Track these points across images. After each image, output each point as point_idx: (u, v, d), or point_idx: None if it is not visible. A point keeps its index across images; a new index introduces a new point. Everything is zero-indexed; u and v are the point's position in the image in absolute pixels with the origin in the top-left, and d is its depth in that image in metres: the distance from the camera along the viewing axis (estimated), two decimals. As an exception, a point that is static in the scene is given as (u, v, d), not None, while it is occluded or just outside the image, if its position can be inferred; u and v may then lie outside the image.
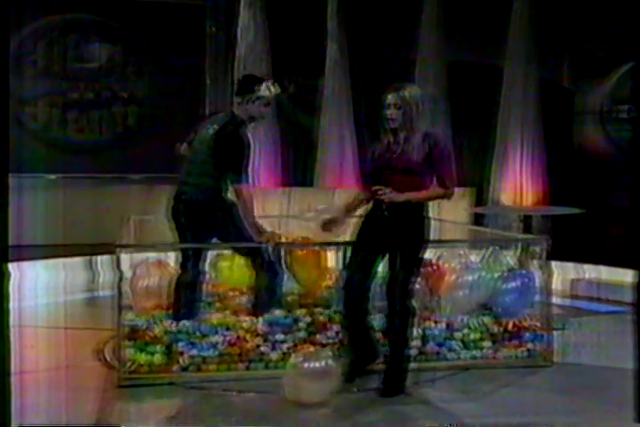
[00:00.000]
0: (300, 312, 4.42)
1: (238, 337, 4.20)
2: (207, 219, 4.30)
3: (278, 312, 4.36)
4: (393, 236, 3.83)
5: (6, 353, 2.22)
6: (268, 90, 4.30)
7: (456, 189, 3.92)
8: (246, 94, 4.30)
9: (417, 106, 3.78)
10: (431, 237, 4.03)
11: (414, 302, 3.96)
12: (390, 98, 3.77)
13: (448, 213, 6.86)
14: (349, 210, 4.18)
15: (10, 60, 2.29)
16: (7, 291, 2.22)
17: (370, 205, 3.99)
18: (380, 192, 3.77)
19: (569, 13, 8.17)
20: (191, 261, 4.43)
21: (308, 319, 4.37)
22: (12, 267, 2.32)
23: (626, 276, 5.87)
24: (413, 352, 4.33)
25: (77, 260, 6.76)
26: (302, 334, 4.30)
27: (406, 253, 3.84)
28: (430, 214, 3.96)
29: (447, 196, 3.90)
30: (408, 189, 3.78)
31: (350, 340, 4.08)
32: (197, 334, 4.19)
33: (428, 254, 5.15)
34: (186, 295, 4.39)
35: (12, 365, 2.20)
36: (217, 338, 4.18)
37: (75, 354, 4.54)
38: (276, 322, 4.28)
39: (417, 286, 4.19)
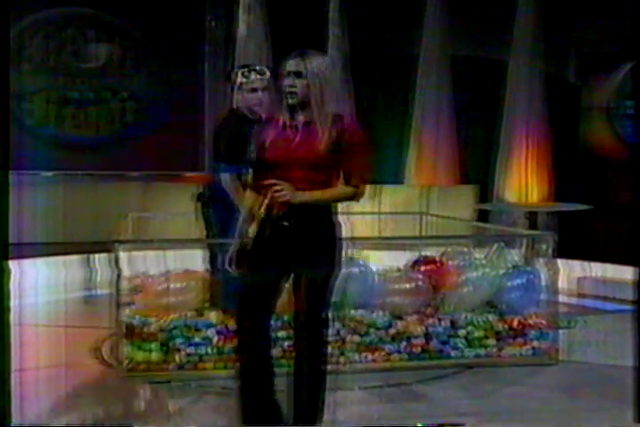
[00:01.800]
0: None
1: (231, 330, 4.14)
2: (215, 214, 4.30)
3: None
4: (296, 252, 2.96)
5: (6, 351, 2.18)
6: (243, 76, 4.30)
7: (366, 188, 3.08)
8: (228, 84, 4.35)
9: (325, 78, 2.96)
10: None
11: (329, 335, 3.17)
12: (292, 64, 2.95)
13: (452, 210, 6.83)
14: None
15: (9, 55, 2.24)
16: (7, 288, 2.19)
17: (261, 211, 2.99)
18: (276, 189, 2.90)
19: (575, 8, 8.12)
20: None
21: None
22: (12, 265, 2.29)
23: (633, 274, 5.80)
24: (416, 350, 4.29)
25: (75, 257, 6.73)
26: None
27: (316, 272, 2.96)
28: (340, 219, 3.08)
29: (357, 197, 3.02)
30: (310, 188, 2.93)
31: (246, 401, 3.08)
32: (192, 328, 4.15)
33: (433, 252, 5.14)
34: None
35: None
36: (210, 332, 4.14)
37: (72, 352, 4.51)
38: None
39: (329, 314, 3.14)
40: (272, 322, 3.19)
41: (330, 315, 3.12)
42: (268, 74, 4.35)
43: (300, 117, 2.97)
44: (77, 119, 8.21)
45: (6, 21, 2.20)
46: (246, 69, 4.35)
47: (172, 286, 4.35)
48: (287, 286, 3.08)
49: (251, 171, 3.17)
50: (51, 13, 8.11)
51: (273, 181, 2.90)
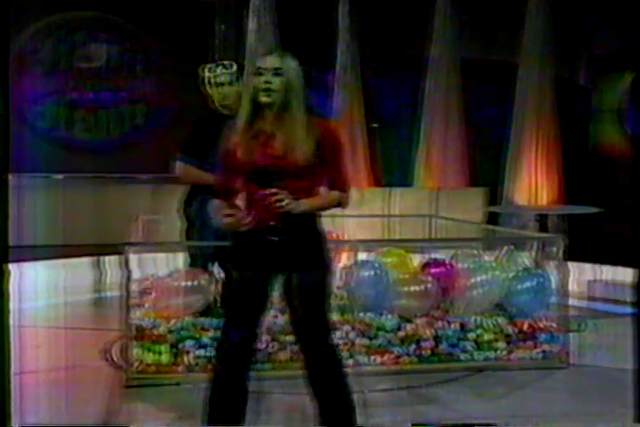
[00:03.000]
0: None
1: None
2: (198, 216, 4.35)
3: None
4: (287, 264, 2.80)
5: (6, 353, 2.18)
6: (209, 71, 4.35)
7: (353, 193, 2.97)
8: (198, 78, 4.40)
9: (302, 78, 2.82)
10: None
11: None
12: (270, 61, 2.79)
13: (462, 213, 6.81)
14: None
15: (10, 59, 2.24)
16: (7, 290, 2.19)
17: (247, 222, 2.75)
18: (277, 198, 2.69)
19: (585, 10, 8.08)
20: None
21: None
22: (21, 267, 2.30)
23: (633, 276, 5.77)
24: (425, 353, 4.27)
25: (87, 260, 6.74)
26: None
27: (311, 282, 2.80)
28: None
29: (344, 202, 2.89)
30: (300, 195, 2.75)
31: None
32: (199, 328, 4.16)
33: (442, 255, 5.13)
34: None
35: (21, 365, 2.17)
36: (218, 333, 4.12)
37: (82, 354, 4.52)
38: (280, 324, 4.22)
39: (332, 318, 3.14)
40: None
41: (332, 319, 3.03)
42: (234, 68, 4.37)
43: (274, 119, 2.77)
44: (88, 122, 8.22)
45: (6, 22, 2.20)
46: (213, 64, 4.39)
47: (178, 284, 4.33)
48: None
49: (219, 178, 2.93)
50: (61, 17, 8.13)
51: (273, 191, 2.68)
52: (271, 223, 2.72)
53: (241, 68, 4.43)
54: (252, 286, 2.84)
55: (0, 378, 2.19)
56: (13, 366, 2.22)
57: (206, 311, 4.32)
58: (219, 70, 4.34)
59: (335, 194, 2.85)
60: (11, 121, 2.20)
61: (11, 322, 2.22)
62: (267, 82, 2.74)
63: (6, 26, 2.21)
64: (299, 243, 2.79)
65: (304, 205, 2.74)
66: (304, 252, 2.81)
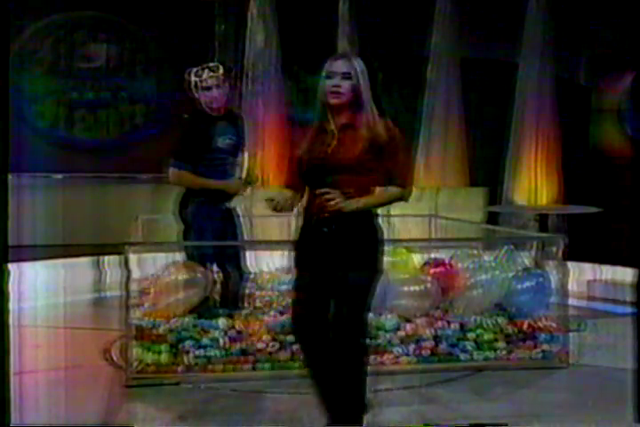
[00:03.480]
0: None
1: (240, 333, 4.16)
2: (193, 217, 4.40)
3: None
4: (337, 257, 2.94)
5: (6, 353, 2.18)
6: (195, 76, 4.34)
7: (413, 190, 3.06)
8: (184, 83, 4.40)
9: (369, 81, 2.95)
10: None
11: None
12: (339, 65, 2.93)
13: (461, 212, 6.80)
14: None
15: (10, 58, 2.24)
16: (7, 290, 2.19)
17: (305, 211, 3.03)
18: (327, 197, 2.87)
19: (585, 10, 8.08)
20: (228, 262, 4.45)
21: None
22: (20, 267, 2.30)
23: (632, 276, 5.77)
24: (425, 353, 4.27)
25: (86, 259, 6.74)
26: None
27: (358, 276, 2.94)
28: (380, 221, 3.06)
29: (405, 197, 3.00)
30: (356, 193, 2.91)
31: (324, 391, 3.07)
32: (198, 328, 4.16)
33: (442, 254, 5.13)
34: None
35: (20, 364, 2.16)
36: (219, 334, 4.15)
37: (82, 354, 4.52)
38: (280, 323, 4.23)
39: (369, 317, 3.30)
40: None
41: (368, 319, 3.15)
42: (221, 70, 4.38)
43: (341, 120, 2.95)
44: (88, 122, 8.23)
45: (6, 22, 2.20)
46: (199, 68, 4.37)
47: (175, 277, 4.34)
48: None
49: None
50: (61, 17, 8.13)
51: (325, 190, 2.86)
52: (324, 215, 2.90)
53: (228, 70, 4.44)
54: (312, 279, 3.00)
55: (0, 378, 2.18)
56: (12, 366, 2.22)
57: (206, 312, 4.32)
58: (205, 74, 4.32)
59: (393, 190, 2.95)
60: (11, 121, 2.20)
61: (10, 322, 2.22)
62: (335, 86, 2.90)
63: (6, 26, 2.21)
64: (349, 236, 2.92)
65: (356, 203, 2.88)
66: (353, 245, 2.92)
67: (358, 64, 2.93)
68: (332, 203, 2.85)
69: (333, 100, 2.91)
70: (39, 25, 8.02)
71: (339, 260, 2.92)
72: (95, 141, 8.26)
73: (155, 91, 8.37)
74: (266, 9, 7.76)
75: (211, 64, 4.43)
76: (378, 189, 2.94)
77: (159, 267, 4.71)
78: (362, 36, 7.95)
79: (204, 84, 4.32)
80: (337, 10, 7.92)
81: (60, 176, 8.01)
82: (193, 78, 4.34)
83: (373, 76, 2.96)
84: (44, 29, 8.08)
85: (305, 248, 3.04)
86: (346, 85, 2.90)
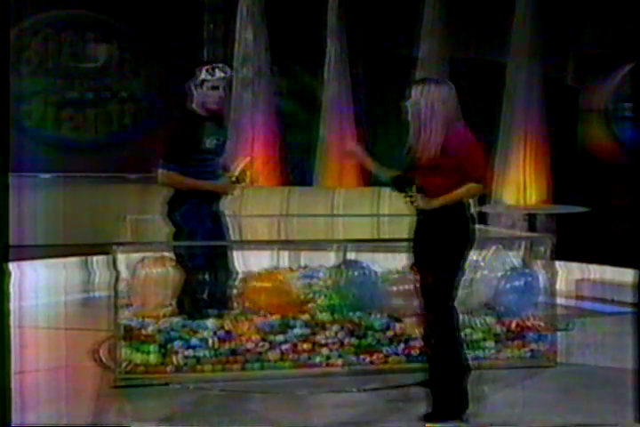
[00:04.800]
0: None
1: (229, 333, 4.16)
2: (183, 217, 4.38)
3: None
4: (427, 245, 3.46)
5: (6, 353, 2.18)
6: (207, 73, 4.32)
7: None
8: (192, 80, 4.35)
9: (443, 100, 3.47)
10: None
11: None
12: (417, 88, 3.48)
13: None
14: None
15: (9, 57, 2.24)
16: (7, 290, 2.19)
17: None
18: (410, 199, 3.46)
19: (573, 10, 8.11)
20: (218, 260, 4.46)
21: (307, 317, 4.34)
22: (10, 267, 2.29)
23: (631, 276, 5.79)
24: (414, 353, 4.27)
25: (75, 260, 6.71)
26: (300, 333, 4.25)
27: (445, 265, 3.44)
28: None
29: (481, 189, 3.57)
30: (437, 190, 3.40)
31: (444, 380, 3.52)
32: (187, 328, 4.15)
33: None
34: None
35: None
36: (207, 334, 4.14)
37: (71, 354, 4.50)
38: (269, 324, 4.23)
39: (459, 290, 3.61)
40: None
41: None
42: (229, 72, 4.38)
43: (421, 131, 3.45)
44: (76, 121, 8.20)
45: (6, 23, 2.20)
46: (210, 66, 4.36)
47: (149, 270, 4.37)
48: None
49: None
50: (49, 15, 8.10)
51: (410, 194, 3.44)
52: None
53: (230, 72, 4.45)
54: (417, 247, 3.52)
55: (0, 378, 2.18)
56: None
57: (195, 312, 4.31)
58: (217, 74, 4.32)
59: (471, 185, 3.39)
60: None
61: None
62: (413, 103, 3.44)
63: (6, 26, 2.21)
64: (437, 223, 3.41)
65: (436, 202, 3.38)
66: (444, 231, 3.41)
67: (434, 87, 3.46)
68: (414, 205, 3.44)
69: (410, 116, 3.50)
70: (27, 23, 7.99)
71: (428, 248, 3.43)
72: (84, 141, 8.24)
73: (143, 90, 8.36)
74: (255, 8, 7.75)
75: (220, 65, 4.42)
76: (456, 189, 3.38)
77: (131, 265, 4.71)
78: (350, 35, 7.96)
79: (214, 84, 4.31)
80: (326, 9, 7.92)
81: (47, 176, 7.98)
82: (204, 76, 4.32)
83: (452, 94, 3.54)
84: (32, 28, 8.05)
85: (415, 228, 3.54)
86: (421, 103, 3.45)
